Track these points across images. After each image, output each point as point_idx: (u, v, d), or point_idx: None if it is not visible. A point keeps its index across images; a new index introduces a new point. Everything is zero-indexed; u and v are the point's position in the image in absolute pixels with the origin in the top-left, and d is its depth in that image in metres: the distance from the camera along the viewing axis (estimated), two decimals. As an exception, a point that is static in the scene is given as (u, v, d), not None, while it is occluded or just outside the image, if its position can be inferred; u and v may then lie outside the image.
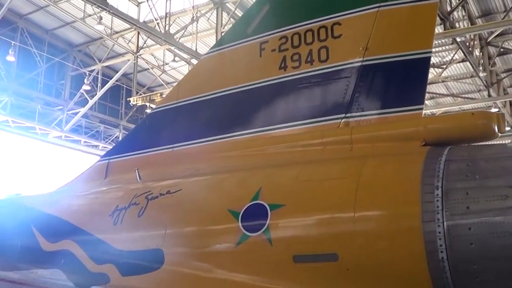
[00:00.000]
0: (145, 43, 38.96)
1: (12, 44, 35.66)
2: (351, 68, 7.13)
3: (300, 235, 6.30)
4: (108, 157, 9.07)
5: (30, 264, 8.65)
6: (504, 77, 40.03)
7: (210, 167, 7.54)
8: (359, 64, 7.08)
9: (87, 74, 40.34)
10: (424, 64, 6.99)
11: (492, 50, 37.00)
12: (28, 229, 8.76)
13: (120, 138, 42.88)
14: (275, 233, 6.30)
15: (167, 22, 32.95)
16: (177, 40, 34.03)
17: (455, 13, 29.43)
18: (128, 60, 39.21)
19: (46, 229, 8.61)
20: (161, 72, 43.24)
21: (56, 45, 40.92)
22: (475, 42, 33.96)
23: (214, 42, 7.67)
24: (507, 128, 36.79)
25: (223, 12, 35.24)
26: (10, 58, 35.68)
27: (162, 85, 43.44)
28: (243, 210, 6.58)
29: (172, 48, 36.00)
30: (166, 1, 33.27)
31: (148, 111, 40.26)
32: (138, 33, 37.20)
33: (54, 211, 8.82)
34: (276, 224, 6.34)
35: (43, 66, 39.85)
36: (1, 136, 38.89)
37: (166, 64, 42.43)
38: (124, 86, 44.98)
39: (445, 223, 5.38)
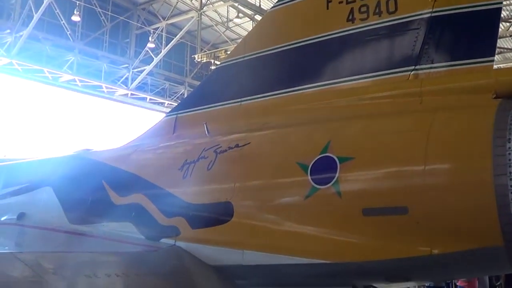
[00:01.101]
0: (208, 0, 38.85)
1: (77, 4, 35.91)
2: (420, 19, 6.96)
3: (370, 188, 6.28)
4: (176, 112, 9.12)
5: (101, 217, 8.83)
6: None
7: (279, 120, 7.52)
8: (428, 15, 6.91)
9: (151, 32, 40.40)
10: (494, 15, 6.76)
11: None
12: (99, 184, 8.93)
13: (185, 95, 43.05)
14: (344, 186, 6.30)
15: (229, -22, 32.70)
16: (240, -4, 33.85)
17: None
18: (192, 17, 39.13)
19: (116, 184, 8.77)
20: (225, 29, 43.07)
21: (120, 4, 41.04)
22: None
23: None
24: None
25: (287, -34, 34.67)
26: (75, 18, 35.92)
27: (226, 41, 43.26)
28: (312, 163, 6.58)
29: (236, 4, 35.80)
30: (229, -44, 33.00)
31: (213, 67, 40.34)
32: (202, -11, 37.12)
33: (124, 165, 8.96)
34: (345, 177, 6.32)
35: (108, 25, 40.05)
36: (69, 95, 39.49)
37: (230, 20, 42.18)
38: (188, 43, 44.94)
39: None
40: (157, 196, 8.06)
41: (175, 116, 9.01)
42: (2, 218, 10.31)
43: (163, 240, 7.79)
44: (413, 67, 6.80)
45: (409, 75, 6.78)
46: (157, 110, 43.99)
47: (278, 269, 6.81)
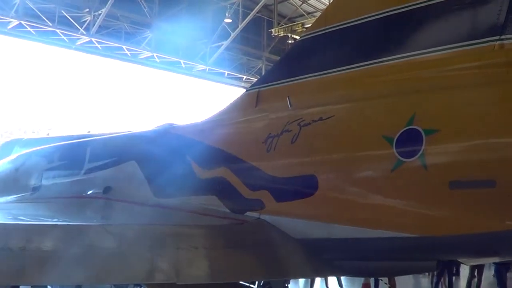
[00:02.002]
0: (285, -27, 38.72)
1: (154, -19, 36.39)
2: None
3: (456, 161, 6.16)
4: (258, 86, 9.10)
5: (185, 191, 8.94)
6: None
7: (362, 93, 7.41)
8: None
9: (228, 7, 40.52)
10: None
11: None
12: (183, 158, 9.03)
13: (263, 70, 43.13)
14: (430, 159, 6.20)
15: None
16: (318, -32, 33.59)
17: None
18: (269, -9, 39.15)
19: (200, 157, 8.85)
20: (301, 2, 42.85)
21: (197, -20, 41.29)
22: None
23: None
24: None
25: None
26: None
27: (303, 15, 43.06)
28: (397, 136, 6.49)
29: (313, -23, 35.58)
30: None
31: (290, 42, 40.25)
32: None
33: (208, 139, 9.03)
34: (431, 150, 6.22)
35: (184, 1, 40.35)
36: (148, 72, 40.10)
37: (307, -6, 42.03)
38: (265, 17, 44.92)
39: None
40: (241, 169, 8.11)
41: (257, 90, 8.99)
42: (89, 192, 10.52)
43: (248, 214, 7.85)
44: (498, 37, 6.56)
45: (494, 45, 6.55)
46: (235, 85, 44.29)
47: (363, 243, 6.79)
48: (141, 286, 10.35)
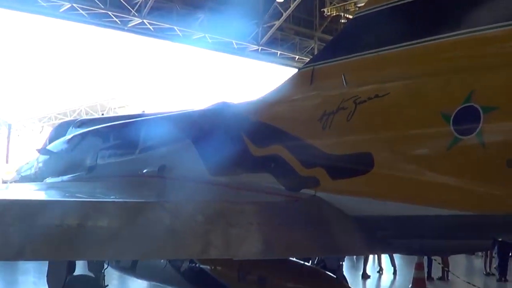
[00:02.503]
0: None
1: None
2: None
3: None
4: (312, 64, 9.07)
5: (240, 168, 8.98)
6: None
7: (418, 70, 7.32)
8: None
9: (280, -14, 40.44)
10: None
11: None
12: (238, 135, 9.06)
13: (316, 50, 42.97)
14: (488, 137, 6.07)
15: None
16: None
17: None
18: (321, -30, 38.94)
19: (255, 135, 8.85)
20: (354, -19, 42.56)
21: (248, -41, 41.23)
22: None
23: None
24: None
25: None
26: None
27: (356, -6, 42.77)
28: (454, 113, 6.38)
29: (365, -45, 35.17)
30: None
31: (343, 21, 40.00)
32: None
33: (262, 117, 9.03)
34: (489, 127, 6.08)
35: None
36: (201, 52, 40.32)
37: (360, -28, 41.64)
38: (317, -4, 44.74)
39: None
40: (296, 147, 8.09)
41: (311, 68, 8.96)
42: (144, 171, 10.64)
43: (303, 191, 7.84)
44: None
45: None
46: (288, 65, 44.23)
47: (418, 220, 6.73)
48: (196, 264, 10.49)
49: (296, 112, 8.71)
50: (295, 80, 9.33)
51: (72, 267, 11.91)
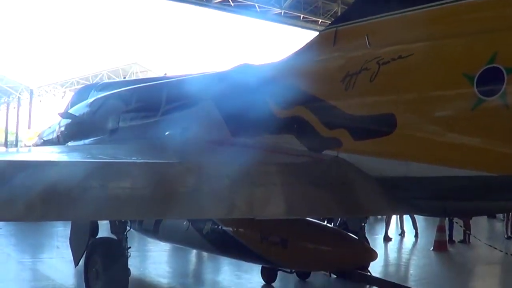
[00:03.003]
0: None
1: None
2: None
3: None
4: (335, 25, 9.01)
5: (263, 130, 8.98)
6: None
7: (442, 30, 7.24)
8: None
9: None
10: None
11: None
12: (260, 97, 9.03)
13: (339, 13, 42.59)
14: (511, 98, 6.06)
15: None
16: None
17: None
18: None
19: (278, 97, 8.83)
20: None
21: None
22: None
23: None
24: None
25: None
26: None
27: (379, -44, 42.19)
28: (478, 74, 6.34)
29: None
30: None
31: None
32: None
33: (285, 78, 9.00)
34: None
35: None
36: (222, 16, 40.19)
37: None
38: (340, -41, 44.24)
39: None
40: (319, 108, 8.07)
41: (334, 29, 8.90)
42: (166, 133, 10.67)
43: (326, 152, 7.84)
44: None
45: None
46: (311, 29, 43.86)
47: (442, 182, 6.72)
48: (218, 225, 10.55)
49: (319, 73, 8.67)
50: (318, 42, 9.28)
51: (94, 230, 12.04)
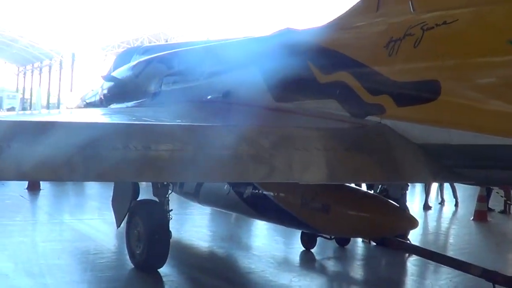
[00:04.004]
0: None
1: None
2: None
3: None
4: (379, -10, 8.90)
5: (305, 95, 8.94)
6: None
7: None
8: None
9: None
10: None
11: None
12: (303, 62, 8.98)
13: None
14: None
15: None
16: None
17: None
18: None
19: (320, 61, 8.76)
20: None
21: None
22: None
23: None
24: None
25: None
26: None
27: None
28: None
29: None
30: None
31: None
32: None
33: (328, 43, 8.91)
34: None
35: None
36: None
37: None
38: None
39: None
40: (362, 73, 8.00)
41: None
42: (209, 97, 10.71)
43: (368, 118, 7.79)
44: None
45: None
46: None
47: (485, 149, 6.62)
48: (259, 190, 10.61)
49: (362, 38, 8.59)
50: (361, 7, 9.16)
51: (136, 191, 12.19)
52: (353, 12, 9.22)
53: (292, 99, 9.07)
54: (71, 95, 74.46)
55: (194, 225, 16.33)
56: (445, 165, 7.45)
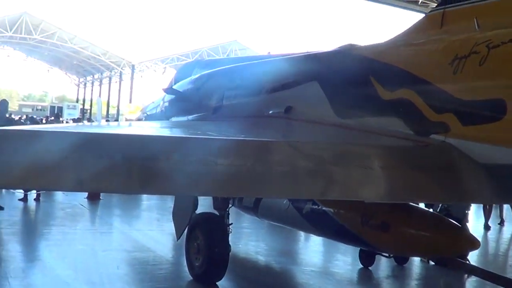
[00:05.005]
0: None
1: None
2: None
3: None
4: (443, 7, 8.83)
5: (367, 111, 8.86)
6: None
7: None
8: None
9: None
10: None
11: None
12: (366, 78, 8.93)
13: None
14: None
15: None
16: None
17: None
18: None
19: (383, 78, 8.68)
20: None
21: None
22: None
23: None
24: None
25: None
26: None
27: None
28: None
29: None
30: None
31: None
32: None
33: (391, 60, 8.84)
34: None
35: None
36: None
37: None
38: None
39: None
40: (426, 91, 7.91)
41: (442, 11, 8.72)
42: (270, 112, 10.73)
43: (432, 136, 7.71)
44: None
45: None
46: (411, 9, 43.31)
47: None
48: (318, 206, 10.57)
49: (426, 55, 8.50)
50: (425, 23, 9.12)
51: (196, 204, 12.30)
52: (416, 29, 9.17)
53: (354, 115, 9.02)
54: (130, 106, 75.54)
55: (251, 239, 16.37)
56: (509, 186, 7.34)
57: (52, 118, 46.85)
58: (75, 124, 31.35)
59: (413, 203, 9.93)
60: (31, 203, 20.65)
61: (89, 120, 56.41)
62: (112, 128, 11.31)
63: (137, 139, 7.34)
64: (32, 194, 20.84)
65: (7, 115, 29.21)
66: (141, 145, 6.76)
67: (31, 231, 16.48)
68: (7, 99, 36.92)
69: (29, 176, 5.95)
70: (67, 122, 46.46)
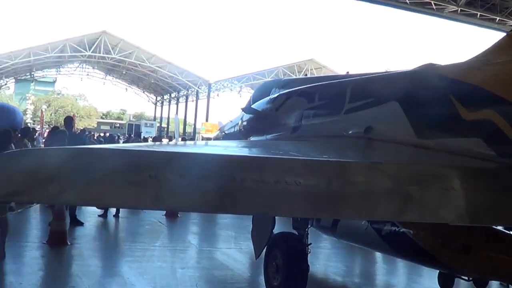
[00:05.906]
0: None
1: None
2: None
3: None
4: (526, 25, 8.71)
5: (449, 132, 8.75)
6: None
7: None
8: None
9: None
10: None
11: None
12: (446, 98, 8.83)
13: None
14: None
15: None
16: None
17: None
18: None
19: (465, 98, 8.58)
20: None
21: None
22: None
23: None
24: None
25: None
26: None
27: None
28: None
29: None
30: None
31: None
32: None
33: (473, 80, 8.72)
34: None
35: None
36: (395, 13, 40.13)
37: None
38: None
39: None
40: (509, 112, 7.80)
41: None
42: (349, 132, 10.71)
43: None
44: None
45: None
46: (487, 27, 42.64)
47: None
48: (398, 227, 10.46)
49: (509, 75, 8.38)
50: (507, 43, 8.99)
51: (274, 224, 12.36)
52: (498, 48, 9.05)
53: (434, 135, 8.93)
54: (207, 125, 76.37)
55: (330, 259, 16.32)
56: None
57: (133, 136, 47.88)
58: (157, 143, 31.65)
59: (495, 226, 9.73)
60: (111, 219, 21.17)
61: (170, 139, 56.90)
62: (194, 148, 11.47)
63: (221, 159, 7.42)
64: (112, 211, 21.26)
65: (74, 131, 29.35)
66: (224, 164, 6.84)
67: (110, 247, 16.86)
68: (85, 116, 37.68)
69: (110, 195, 6.01)
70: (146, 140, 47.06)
